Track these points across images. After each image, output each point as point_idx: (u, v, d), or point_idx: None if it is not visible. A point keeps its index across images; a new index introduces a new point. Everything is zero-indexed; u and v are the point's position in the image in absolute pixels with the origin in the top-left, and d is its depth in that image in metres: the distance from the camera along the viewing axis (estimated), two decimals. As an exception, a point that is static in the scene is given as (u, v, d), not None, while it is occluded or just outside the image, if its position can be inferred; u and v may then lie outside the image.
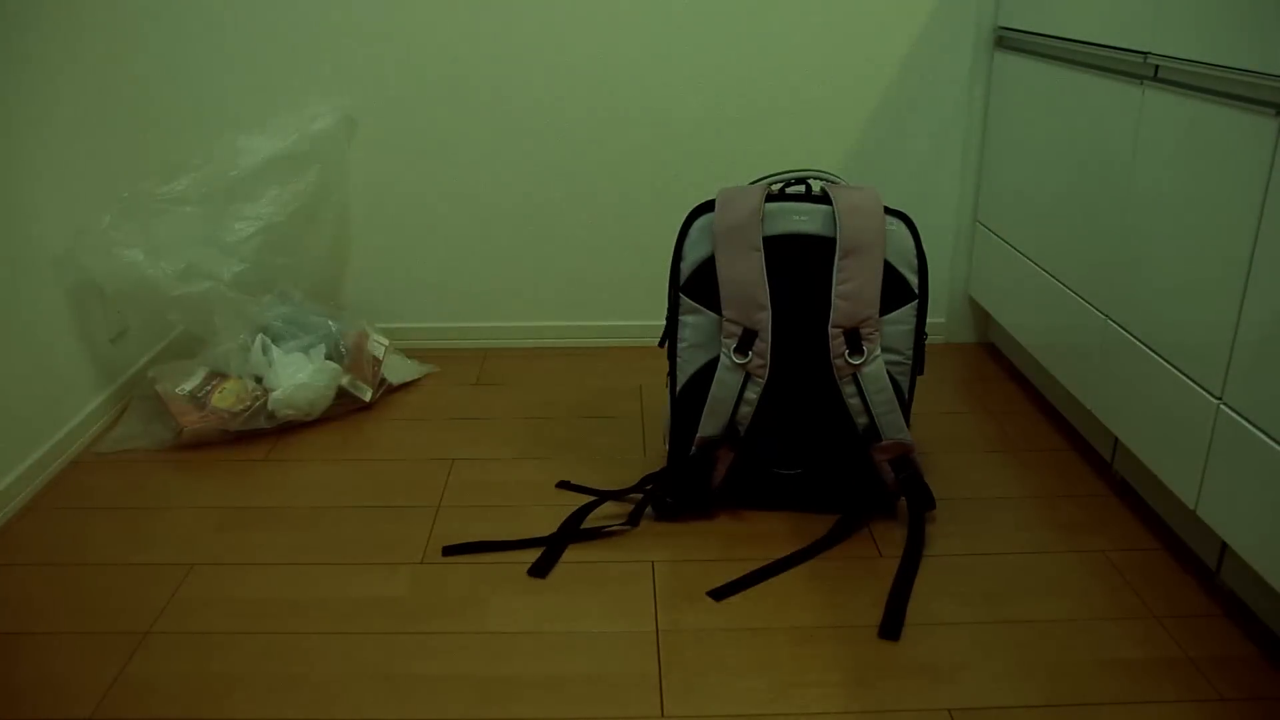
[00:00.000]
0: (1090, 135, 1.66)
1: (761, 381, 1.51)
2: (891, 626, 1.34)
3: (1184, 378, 1.39)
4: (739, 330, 1.50)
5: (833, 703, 1.21)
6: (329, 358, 1.94)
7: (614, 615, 1.37)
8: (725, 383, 1.52)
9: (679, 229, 1.54)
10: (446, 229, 2.24)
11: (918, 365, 1.54)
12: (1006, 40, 2.07)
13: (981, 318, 2.32)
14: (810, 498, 1.61)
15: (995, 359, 2.23)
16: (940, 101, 2.17)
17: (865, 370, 1.50)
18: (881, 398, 1.51)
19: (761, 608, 1.38)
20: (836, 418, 1.54)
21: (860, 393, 1.51)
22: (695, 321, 1.54)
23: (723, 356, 1.52)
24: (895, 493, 1.59)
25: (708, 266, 1.51)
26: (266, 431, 1.89)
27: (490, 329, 2.33)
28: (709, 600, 1.40)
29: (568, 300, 2.31)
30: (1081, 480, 1.72)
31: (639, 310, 2.31)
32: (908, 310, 1.50)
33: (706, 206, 1.52)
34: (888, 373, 1.51)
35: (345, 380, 1.96)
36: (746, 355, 1.51)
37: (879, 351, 1.50)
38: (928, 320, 1.54)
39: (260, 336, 1.91)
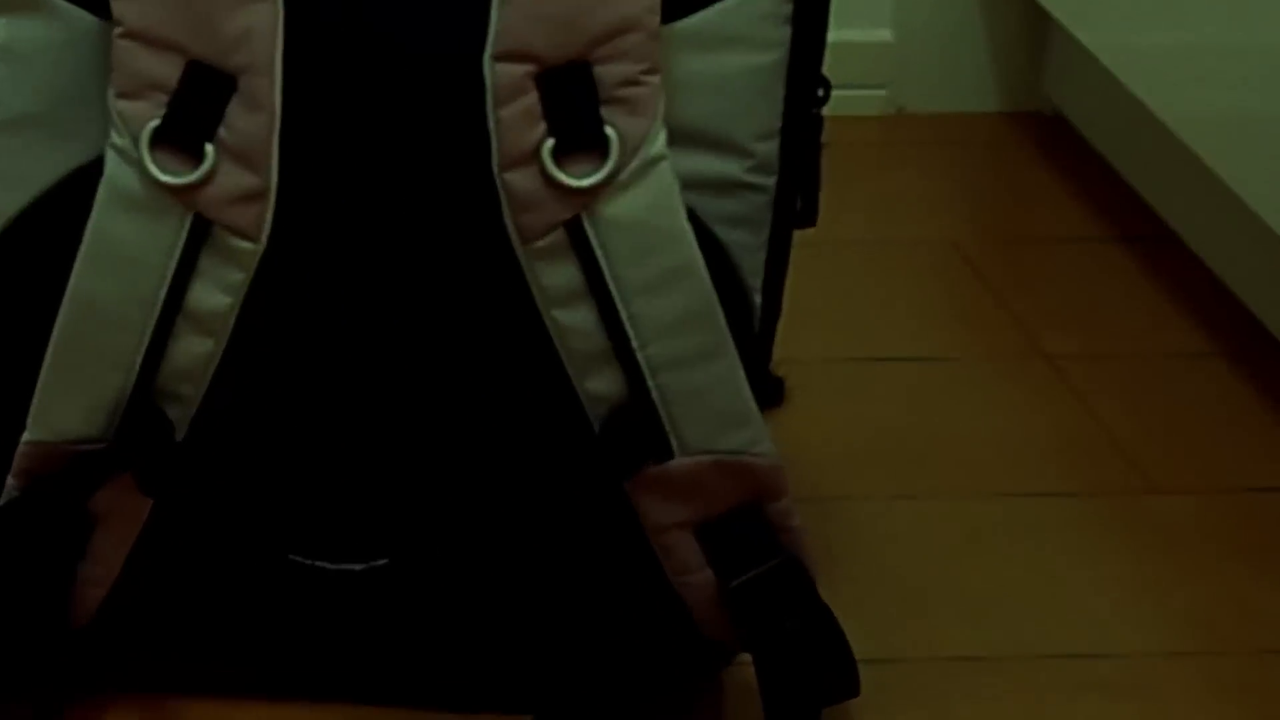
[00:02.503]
0: None
1: (250, 263, 0.44)
2: None
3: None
4: (174, 74, 0.43)
5: None
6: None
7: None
8: (120, 250, 0.44)
9: None
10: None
11: (793, 188, 0.46)
12: None
13: (1022, 39, 1.13)
14: (426, 653, 0.50)
15: (1062, 152, 1.06)
16: None
17: (616, 206, 0.43)
18: (674, 301, 0.44)
19: None
20: (510, 390, 0.46)
21: (595, 289, 0.44)
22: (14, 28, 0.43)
23: (109, 161, 0.43)
24: (726, 645, 0.50)
25: None
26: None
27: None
28: None
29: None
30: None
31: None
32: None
33: None
34: (693, 212, 0.44)
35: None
36: (201, 158, 0.42)
37: (662, 139, 0.43)
38: (829, 37, 0.43)
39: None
